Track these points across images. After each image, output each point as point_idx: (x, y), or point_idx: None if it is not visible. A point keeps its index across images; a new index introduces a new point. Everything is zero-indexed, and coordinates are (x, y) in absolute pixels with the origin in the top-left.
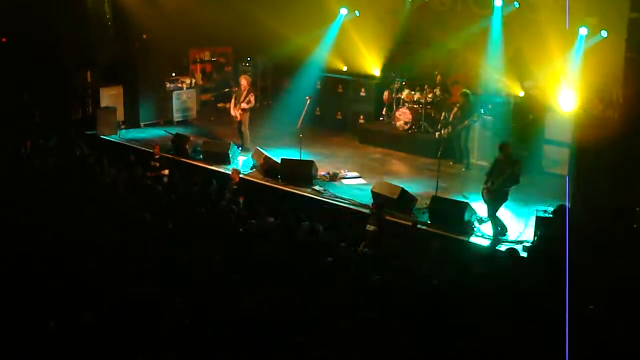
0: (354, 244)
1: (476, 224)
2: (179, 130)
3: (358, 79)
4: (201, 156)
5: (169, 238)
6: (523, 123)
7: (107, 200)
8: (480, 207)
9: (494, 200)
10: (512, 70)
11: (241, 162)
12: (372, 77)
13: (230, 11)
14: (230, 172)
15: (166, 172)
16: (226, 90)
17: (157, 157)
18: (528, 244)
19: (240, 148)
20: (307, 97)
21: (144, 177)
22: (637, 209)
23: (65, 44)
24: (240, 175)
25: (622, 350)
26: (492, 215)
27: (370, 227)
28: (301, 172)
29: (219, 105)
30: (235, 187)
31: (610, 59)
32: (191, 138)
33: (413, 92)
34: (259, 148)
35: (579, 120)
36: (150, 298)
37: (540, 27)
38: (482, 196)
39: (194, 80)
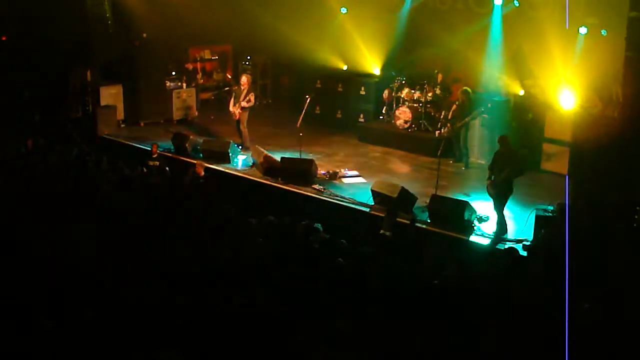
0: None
1: (476, 222)
2: (179, 129)
3: (358, 77)
4: (201, 155)
5: (167, 235)
6: (523, 122)
7: (105, 199)
8: (480, 206)
9: (500, 193)
10: (512, 69)
11: (241, 161)
12: (372, 75)
13: (230, 10)
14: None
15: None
16: (226, 88)
17: (155, 156)
18: (528, 243)
19: (240, 147)
20: (307, 96)
21: (142, 175)
22: (638, 207)
23: (65, 43)
24: (206, 166)
25: (621, 349)
26: (499, 210)
27: (385, 233)
28: (301, 170)
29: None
30: (202, 181)
31: (610, 58)
32: (191, 137)
33: (413, 91)
34: (258, 147)
35: (579, 119)
36: (149, 296)
37: (540, 26)
38: (488, 191)
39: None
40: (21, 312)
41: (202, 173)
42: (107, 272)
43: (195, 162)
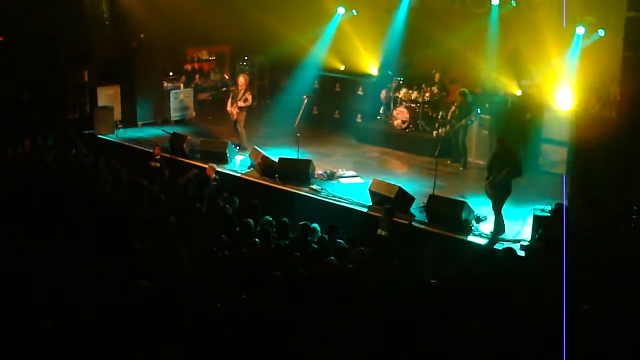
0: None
1: (474, 222)
2: (177, 129)
3: (355, 78)
4: (199, 155)
5: (168, 237)
6: (520, 122)
7: (104, 199)
8: (478, 206)
9: (499, 193)
10: (509, 69)
11: (239, 161)
12: (370, 76)
13: (228, 10)
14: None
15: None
16: (223, 89)
17: (157, 157)
18: (526, 243)
19: (237, 147)
20: (305, 96)
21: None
22: (635, 207)
23: (63, 43)
24: (217, 170)
25: (620, 349)
26: (498, 211)
27: (382, 233)
28: (299, 171)
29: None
30: (214, 183)
31: (608, 58)
32: (189, 137)
33: (410, 91)
34: (256, 147)
35: (577, 119)
36: (149, 297)
37: (538, 25)
38: (486, 191)
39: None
40: (21, 312)
41: (213, 175)
42: (106, 271)
43: (206, 165)
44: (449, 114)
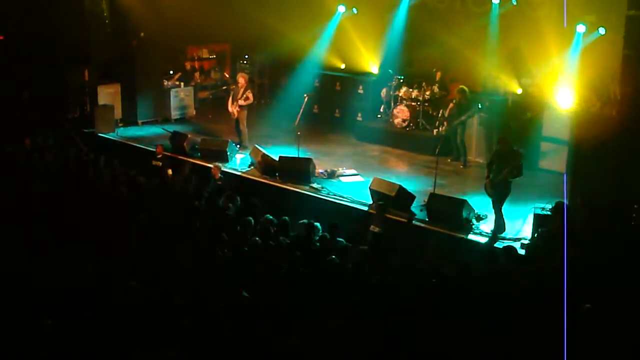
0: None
1: (474, 221)
2: (177, 128)
3: (356, 76)
4: (199, 154)
5: (168, 237)
6: (521, 120)
7: (104, 199)
8: (478, 204)
9: (499, 193)
10: (510, 68)
11: (239, 160)
12: (370, 74)
13: (228, 9)
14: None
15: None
16: (224, 87)
17: (159, 156)
18: (526, 242)
19: (238, 146)
20: (305, 95)
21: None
22: (635, 206)
23: (63, 42)
24: (222, 170)
25: (620, 349)
26: (498, 210)
27: (375, 229)
28: (299, 169)
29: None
30: (219, 183)
31: (608, 57)
32: (189, 136)
33: (411, 90)
34: (257, 146)
35: (577, 118)
36: (147, 297)
37: (538, 24)
38: (486, 190)
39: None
40: (21, 312)
41: (218, 175)
42: (106, 271)
43: (211, 165)
44: (447, 111)
